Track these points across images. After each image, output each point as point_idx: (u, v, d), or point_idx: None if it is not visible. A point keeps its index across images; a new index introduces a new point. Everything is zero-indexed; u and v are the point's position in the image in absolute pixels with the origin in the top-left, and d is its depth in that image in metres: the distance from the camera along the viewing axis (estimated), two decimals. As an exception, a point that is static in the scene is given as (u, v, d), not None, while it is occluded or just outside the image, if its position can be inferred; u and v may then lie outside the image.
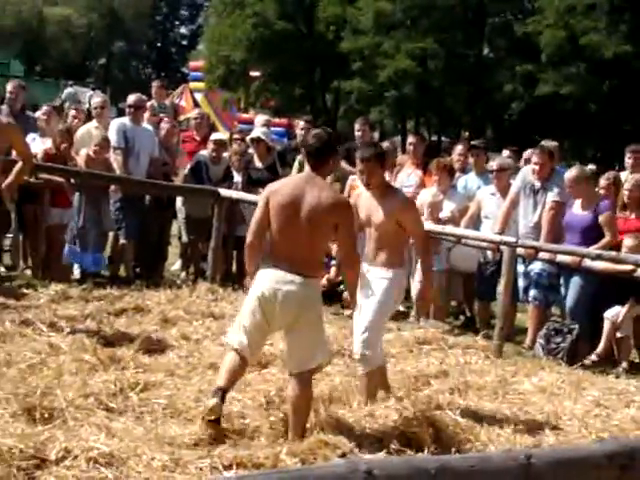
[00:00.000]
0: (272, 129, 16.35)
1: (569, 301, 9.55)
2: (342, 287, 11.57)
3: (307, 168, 6.10)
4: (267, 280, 5.85)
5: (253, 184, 11.77)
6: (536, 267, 9.90)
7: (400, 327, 9.60)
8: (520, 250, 9.48)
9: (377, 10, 37.40)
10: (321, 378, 7.21)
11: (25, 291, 9.91)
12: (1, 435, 5.21)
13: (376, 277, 6.81)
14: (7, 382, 6.48)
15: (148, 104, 12.94)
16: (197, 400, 6.40)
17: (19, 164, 8.67)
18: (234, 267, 12.18)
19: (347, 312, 9.30)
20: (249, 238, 6.12)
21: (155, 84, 14.79)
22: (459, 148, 12.09)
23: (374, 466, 1.68)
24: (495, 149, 19.77)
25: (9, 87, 11.96)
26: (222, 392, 5.76)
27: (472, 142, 12.76)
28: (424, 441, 5.85)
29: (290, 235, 5.81)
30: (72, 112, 13.12)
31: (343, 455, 4.94)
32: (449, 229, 10.15)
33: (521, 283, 10.10)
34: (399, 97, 38.53)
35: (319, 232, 5.81)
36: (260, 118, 14.42)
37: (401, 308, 11.23)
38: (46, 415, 5.85)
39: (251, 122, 19.49)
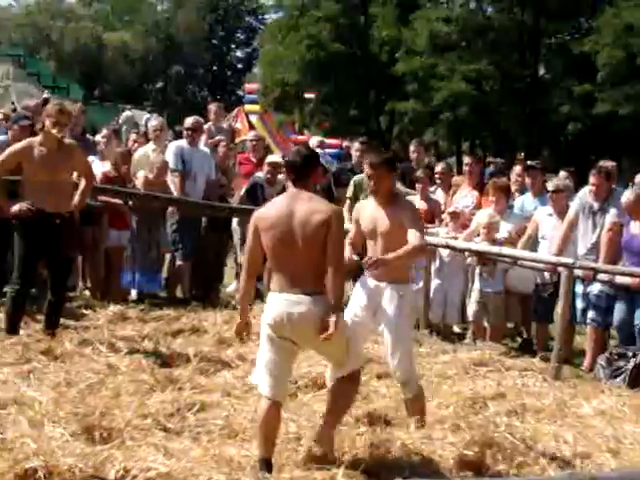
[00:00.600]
0: (327, 150, 16.40)
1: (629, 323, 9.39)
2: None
3: (290, 187, 5.96)
4: (275, 306, 5.68)
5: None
6: (595, 289, 9.76)
7: (456, 349, 9.54)
8: (578, 272, 9.37)
9: (432, 32, 37.32)
10: (377, 399, 7.20)
11: (84, 312, 10.06)
12: (61, 454, 5.27)
13: (386, 298, 6.57)
14: (67, 402, 6.57)
15: (205, 127, 13.07)
16: (253, 420, 6.40)
17: (82, 184, 8.81)
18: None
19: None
20: (243, 275, 5.96)
21: (214, 106, 14.95)
22: (517, 169, 12.02)
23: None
24: (552, 170, 19.57)
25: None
26: (267, 463, 5.58)
27: (529, 163, 12.66)
28: (482, 464, 5.78)
29: (288, 256, 5.63)
30: (132, 136, 13.31)
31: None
32: (506, 250, 10.06)
33: (579, 305, 9.96)
34: (454, 119, 38.37)
35: (316, 246, 5.59)
36: (314, 140, 14.48)
37: (457, 329, 11.18)
38: (105, 435, 5.93)
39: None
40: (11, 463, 5.08)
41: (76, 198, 8.66)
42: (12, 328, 8.53)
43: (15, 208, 8.46)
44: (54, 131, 8.43)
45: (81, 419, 6.15)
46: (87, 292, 11.61)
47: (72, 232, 8.68)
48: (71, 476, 5.01)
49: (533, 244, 10.56)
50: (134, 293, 11.51)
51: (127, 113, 22.68)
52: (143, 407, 6.59)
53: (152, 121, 14.47)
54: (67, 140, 8.82)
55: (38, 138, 8.64)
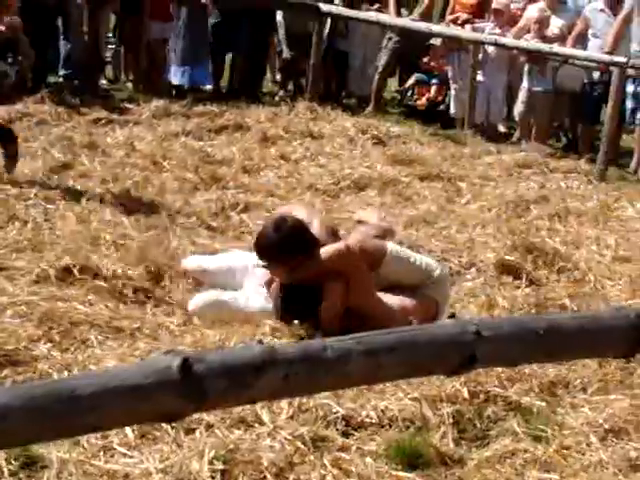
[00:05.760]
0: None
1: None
2: (442, 107, 11.42)
3: None
4: None
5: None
6: (646, 88, 9.52)
7: (500, 150, 9.42)
8: (630, 71, 9.11)
9: None
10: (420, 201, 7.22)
11: (127, 105, 10.03)
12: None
13: None
14: (113, 197, 6.65)
15: None
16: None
17: None
18: (333, 85, 12.08)
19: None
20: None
21: None
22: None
23: (483, 327, 1.68)
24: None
25: None
26: None
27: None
28: (522, 268, 5.82)
29: None
30: None
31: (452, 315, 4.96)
32: (557, 48, 9.77)
33: (629, 104, 9.74)
34: None
35: None
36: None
37: (502, 129, 11.05)
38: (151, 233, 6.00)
39: None
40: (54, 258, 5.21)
41: None
42: None
43: None
44: None
45: (127, 216, 6.24)
46: (130, 84, 11.56)
47: None
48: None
49: (583, 42, 10.23)
50: (178, 80, 11.35)
51: None
52: (187, 205, 6.66)
53: None
54: None
55: None
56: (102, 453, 3.48)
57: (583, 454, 3.69)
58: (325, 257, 4.61)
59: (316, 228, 4.82)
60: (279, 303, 4.67)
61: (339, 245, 4.70)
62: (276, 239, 4.59)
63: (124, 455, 3.49)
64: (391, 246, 4.96)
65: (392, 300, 4.79)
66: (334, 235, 4.96)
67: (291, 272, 4.67)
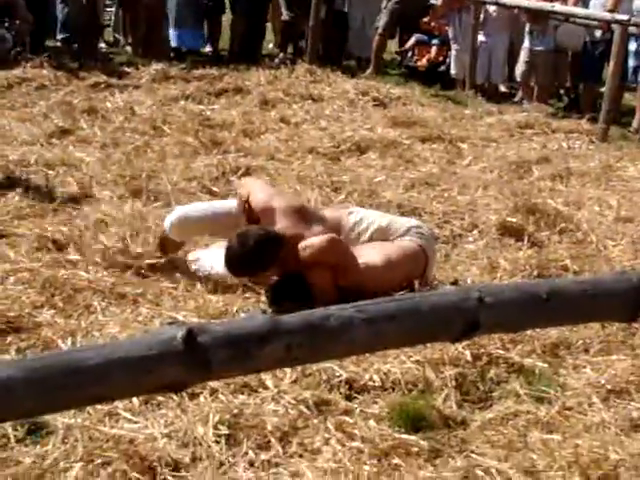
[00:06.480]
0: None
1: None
2: (443, 68, 11.35)
3: None
4: None
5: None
6: (649, 46, 9.45)
7: (502, 110, 9.38)
8: (632, 29, 9.04)
9: None
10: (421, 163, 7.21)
11: (127, 69, 9.98)
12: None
13: None
14: (113, 164, 6.64)
15: None
16: (300, 183, 6.47)
17: None
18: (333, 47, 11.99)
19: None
20: None
21: None
22: None
23: (486, 293, 1.68)
24: None
25: None
26: None
27: None
28: (524, 230, 5.82)
29: None
30: None
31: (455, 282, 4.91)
32: (558, 7, 9.69)
33: (631, 63, 9.66)
34: None
35: None
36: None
37: (503, 89, 10.99)
38: (152, 198, 5.99)
39: None
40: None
41: None
42: None
43: None
44: None
45: (128, 182, 6.23)
46: (128, 48, 11.49)
47: None
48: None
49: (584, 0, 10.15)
50: (175, 43, 11.29)
51: None
52: (188, 170, 6.65)
53: None
54: None
55: None
56: (107, 418, 3.51)
57: (585, 415, 3.71)
58: (309, 254, 4.53)
59: (280, 217, 4.70)
60: (270, 295, 4.64)
61: (320, 242, 4.56)
62: (245, 258, 4.50)
63: (129, 420, 3.52)
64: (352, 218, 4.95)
65: (377, 258, 4.74)
66: (300, 215, 4.77)
67: (272, 273, 4.67)
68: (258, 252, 4.48)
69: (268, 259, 4.55)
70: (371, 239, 4.89)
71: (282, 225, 4.68)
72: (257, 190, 4.88)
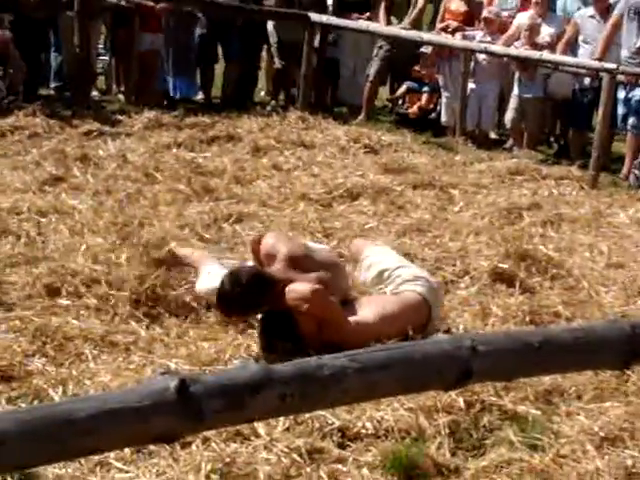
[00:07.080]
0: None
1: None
2: (433, 115, 11.44)
3: None
4: None
5: (345, 9, 11.50)
6: (637, 94, 9.53)
7: (492, 157, 9.44)
8: (621, 77, 9.14)
9: None
10: (413, 210, 7.21)
11: (119, 117, 10.02)
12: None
13: None
14: (106, 211, 6.64)
15: None
16: (292, 229, 6.48)
17: None
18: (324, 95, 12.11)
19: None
20: None
21: None
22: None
23: (479, 342, 1.68)
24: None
25: None
26: None
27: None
28: (515, 276, 5.83)
29: None
30: None
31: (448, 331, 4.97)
32: (547, 55, 9.79)
33: (620, 111, 9.75)
34: None
35: None
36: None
37: (493, 135, 11.07)
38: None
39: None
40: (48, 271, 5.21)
41: None
42: None
43: None
44: None
45: (120, 229, 6.23)
46: (121, 96, 11.56)
47: None
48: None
49: (572, 48, 10.26)
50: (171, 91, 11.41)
51: None
52: (181, 217, 6.66)
53: None
54: None
55: None
56: (98, 468, 3.48)
57: (579, 463, 3.69)
58: (291, 298, 4.52)
59: (279, 260, 4.76)
60: (260, 333, 4.65)
61: (303, 289, 4.53)
62: (236, 298, 4.54)
63: (120, 470, 3.49)
64: None
65: (370, 315, 4.75)
66: (299, 261, 4.80)
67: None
68: (248, 291, 4.50)
69: (258, 299, 4.56)
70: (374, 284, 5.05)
71: (276, 268, 4.70)
72: (269, 235, 5.05)
